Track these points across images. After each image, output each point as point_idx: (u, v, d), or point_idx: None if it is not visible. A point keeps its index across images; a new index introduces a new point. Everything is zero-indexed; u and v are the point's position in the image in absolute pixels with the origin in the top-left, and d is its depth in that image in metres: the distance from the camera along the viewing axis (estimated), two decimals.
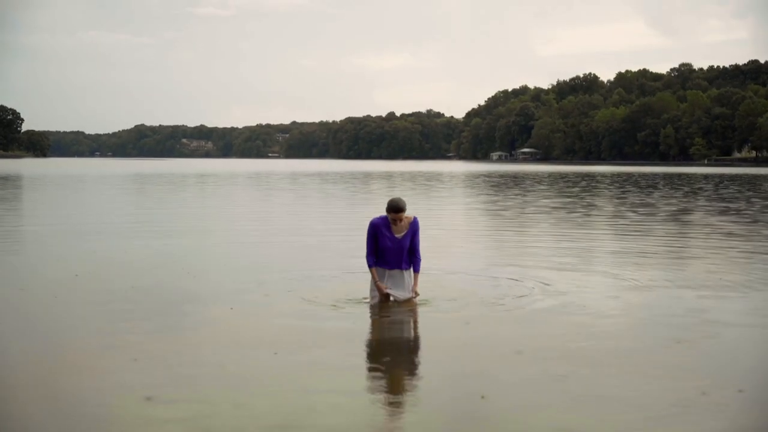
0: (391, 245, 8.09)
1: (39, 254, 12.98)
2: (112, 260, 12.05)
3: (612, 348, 6.78)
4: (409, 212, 8.34)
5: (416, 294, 8.26)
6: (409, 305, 8.21)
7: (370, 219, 8.34)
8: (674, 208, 25.10)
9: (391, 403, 5.35)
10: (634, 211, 23.75)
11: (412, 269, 8.31)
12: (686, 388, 5.65)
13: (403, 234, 8.13)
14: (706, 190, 38.30)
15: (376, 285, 8.19)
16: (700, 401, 5.39)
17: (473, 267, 11.43)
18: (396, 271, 8.21)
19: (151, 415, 5.08)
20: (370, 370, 6.23)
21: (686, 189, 39.78)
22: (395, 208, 8.01)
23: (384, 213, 8.22)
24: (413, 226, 8.18)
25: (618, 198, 31.53)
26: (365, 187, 41.29)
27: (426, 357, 6.69)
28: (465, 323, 7.69)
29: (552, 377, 5.87)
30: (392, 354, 6.77)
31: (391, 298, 8.24)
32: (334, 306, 8.32)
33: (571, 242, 15.30)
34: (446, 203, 28.84)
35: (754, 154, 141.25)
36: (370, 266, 8.22)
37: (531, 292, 9.22)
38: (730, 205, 26.70)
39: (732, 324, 7.77)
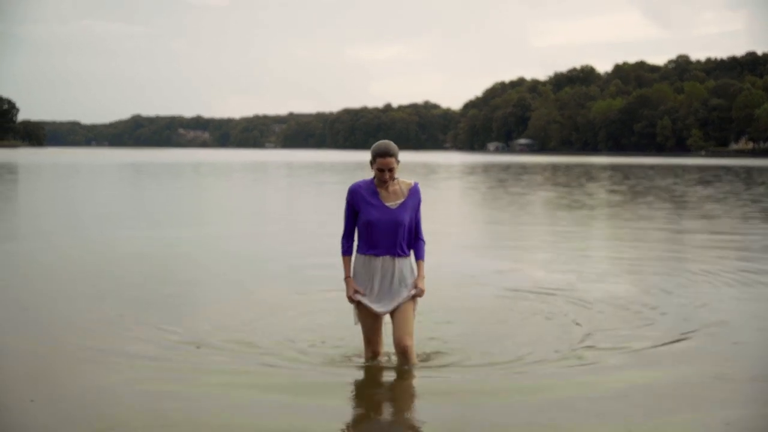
0: (380, 216, 5.45)
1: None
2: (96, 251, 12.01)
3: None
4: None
5: (421, 291, 5.61)
6: (404, 327, 5.56)
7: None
8: None
9: None
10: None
11: (412, 256, 5.68)
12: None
13: (398, 203, 5.50)
14: None
15: (346, 285, 5.60)
16: None
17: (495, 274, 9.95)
18: (387, 260, 5.53)
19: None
20: None
21: None
22: (382, 151, 5.40)
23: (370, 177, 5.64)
24: (414, 195, 5.55)
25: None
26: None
27: None
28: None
29: None
30: None
31: (386, 350, 5.90)
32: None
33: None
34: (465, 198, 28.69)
35: (750, 145, 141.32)
36: (342, 253, 5.63)
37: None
38: None
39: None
